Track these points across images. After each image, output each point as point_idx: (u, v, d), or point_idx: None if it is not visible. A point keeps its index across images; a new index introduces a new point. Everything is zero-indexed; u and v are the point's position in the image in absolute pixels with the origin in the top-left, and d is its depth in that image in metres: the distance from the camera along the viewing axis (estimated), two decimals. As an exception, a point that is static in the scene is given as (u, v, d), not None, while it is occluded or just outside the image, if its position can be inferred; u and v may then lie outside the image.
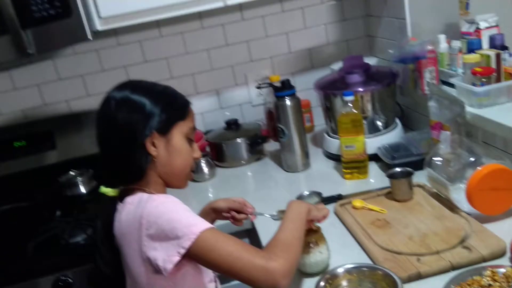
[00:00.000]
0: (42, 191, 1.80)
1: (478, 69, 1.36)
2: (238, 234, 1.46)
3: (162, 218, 0.91)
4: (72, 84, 1.93)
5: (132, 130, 0.97)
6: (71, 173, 1.82)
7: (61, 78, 1.92)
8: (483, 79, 1.36)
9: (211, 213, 1.22)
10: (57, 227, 1.55)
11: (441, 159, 1.32)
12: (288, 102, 1.68)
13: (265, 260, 0.88)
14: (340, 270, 1.06)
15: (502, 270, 0.98)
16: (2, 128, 1.88)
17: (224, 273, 0.91)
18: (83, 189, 1.78)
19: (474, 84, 1.37)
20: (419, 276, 1.04)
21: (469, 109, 1.38)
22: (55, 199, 1.77)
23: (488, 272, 0.98)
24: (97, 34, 1.72)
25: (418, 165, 1.40)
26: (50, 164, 1.83)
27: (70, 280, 1.36)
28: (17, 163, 1.81)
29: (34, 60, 1.88)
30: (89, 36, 1.52)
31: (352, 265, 1.07)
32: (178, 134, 1.02)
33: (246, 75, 2.06)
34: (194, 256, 0.91)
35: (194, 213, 0.96)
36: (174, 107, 1.03)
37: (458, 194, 1.23)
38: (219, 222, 1.27)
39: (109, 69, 1.94)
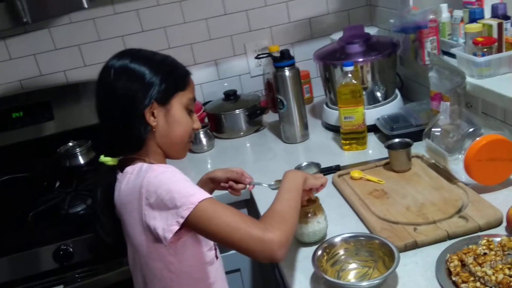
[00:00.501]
0: (41, 161, 1.81)
1: (479, 39, 1.34)
2: (236, 204, 1.48)
3: (162, 187, 0.92)
4: (68, 54, 1.91)
5: (131, 99, 0.97)
6: (70, 144, 1.83)
7: (58, 48, 1.90)
8: (484, 49, 1.34)
9: (209, 183, 1.23)
10: (57, 197, 1.56)
11: (440, 130, 1.32)
12: (287, 72, 1.67)
13: (262, 231, 0.88)
14: (337, 239, 1.07)
15: (498, 239, 0.99)
16: (-1, 99, 1.87)
17: (221, 243, 0.92)
18: (82, 160, 1.78)
19: (475, 54, 1.35)
20: (415, 245, 1.05)
21: (469, 79, 1.37)
22: (54, 169, 1.77)
23: (483, 241, 0.99)
24: (93, 3, 1.69)
25: (417, 136, 1.40)
26: (49, 135, 1.83)
27: (70, 250, 1.38)
28: (15, 133, 1.81)
29: (29, 29, 1.85)
30: (85, 4, 1.49)
31: (349, 235, 1.08)
32: (177, 104, 1.01)
33: (245, 45, 2.04)
34: (192, 225, 0.91)
35: (193, 183, 0.96)
36: (174, 77, 1.01)
37: (457, 164, 1.23)
38: (217, 192, 1.28)
39: (106, 38, 1.91)
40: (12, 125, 1.81)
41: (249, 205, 1.53)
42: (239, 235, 0.88)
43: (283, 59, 1.67)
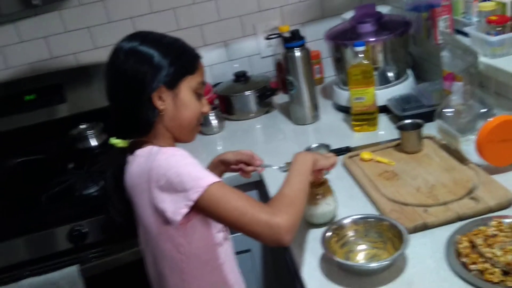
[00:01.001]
0: (54, 144, 1.83)
1: (493, 18, 1.31)
2: (247, 186, 1.49)
3: (171, 170, 0.92)
4: (79, 36, 1.91)
5: (140, 82, 0.97)
6: (82, 126, 1.84)
7: (68, 30, 1.90)
8: (498, 28, 1.31)
9: (220, 165, 1.23)
10: (70, 179, 1.58)
11: (452, 110, 1.30)
12: (297, 53, 1.66)
13: (269, 216, 0.89)
14: (347, 221, 1.08)
15: (508, 220, 0.99)
16: (11, 82, 1.88)
17: (229, 226, 0.93)
18: (94, 142, 1.80)
19: (488, 33, 1.33)
20: (425, 227, 1.05)
21: (482, 59, 1.35)
22: (67, 152, 1.79)
23: (494, 223, 0.99)
24: (102, -16, 1.68)
25: (429, 116, 1.39)
26: (61, 118, 1.84)
27: (84, 230, 1.40)
28: (28, 116, 1.82)
29: (39, 12, 1.85)
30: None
31: (358, 216, 1.08)
32: (186, 88, 1.01)
33: (254, 25, 2.02)
34: (201, 208, 0.92)
35: (203, 167, 0.96)
36: (183, 60, 1.01)
37: (468, 145, 1.22)
38: (228, 174, 1.29)
39: (115, 20, 1.91)
40: (25, 108, 1.83)
41: (259, 187, 1.54)
42: (247, 219, 0.89)
43: (293, 39, 1.65)
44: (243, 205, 0.90)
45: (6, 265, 1.40)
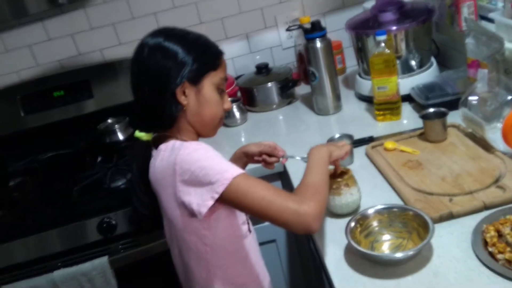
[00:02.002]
0: (82, 138, 1.88)
1: (520, 2, 1.28)
2: (270, 177, 1.51)
3: (195, 164, 0.94)
4: (104, 33, 1.95)
5: (164, 77, 0.98)
6: (109, 120, 1.88)
7: (93, 27, 1.94)
8: (525, 13, 1.28)
9: (243, 157, 1.25)
10: (99, 172, 1.62)
11: (477, 98, 1.28)
12: (318, 44, 1.65)
13: (297, 204, 0.90)
14: (371, 211, 1.08)
15: (536, 209, 0.98)
16: (41, 79, 1.93)
17: (258, 216, 0.94)
18: (121, 136, 1.84)
19: (515, 19, 1.30)
20: (451, 216, 1.05)
21: (508, 45, 1.32)
22: (95, 146, 1.84)
23: (521, 212, 0.98)
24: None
25: (454, 105, 1.37)
26: (89, 113, 1.89)
27: (113, 222, 1.44)
28: (57, 112, 1.88)
29: (65, 10, 1.90)
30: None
31: (382, 206, 1.08)
32: (209, 84, 1.02)
33: (275, 17, 2.02)
34: (227, 200, 0.94)
35: (226, 159, 0.98)
36: (207, 56, 1.02)
37: (494, 133, 1.20)
38: (251, 166, 1.30)
39: (139, 16, 1.94)
40: (54, 104, 1.88)
41: (282, 178, 1.55)
42: (275, 208, 0.90)
43: (314, 30, 1.65)
44: (270, 194, 0.92)
45: (39, 256, 1.45)
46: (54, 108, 1.87)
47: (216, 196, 0.93)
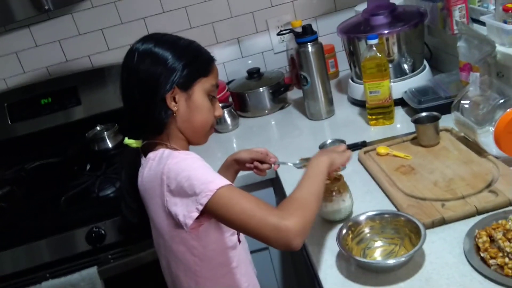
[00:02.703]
0: (71, 146, 1.86)
1: (510, 5, 1.27)
2: (262, 183, 1.49)
3: (182, 174, 0.92)
4: (92, 38, 1.93)
5: (153, 83, 0.97)
6: (98, 128, 1.86)
7: (81, 33, 1.92)
8: (516, 15, 1.28)
9: (234, 164, 1.23)
10: (87, 181, 1.60)
11: (469, 101, 1.27)
12: (310, 48, 1.64)
13: (278, 219, 0.86)
14: (363, 217, 1.06)
15: (529, 214, 0.96)
16: (28, 86, 1.91)
17: (238, 230, 0.92)
18: (109, 143, 1.82)
19: (505, 22, 1.29)
20: (443, 222, 1.03)
21: (500, 48, 1.31)
22: (84, 154, 1.82)
23: (514, 216, 0.96)
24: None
25: (447, 108, 1.35)
26: (77, 120, 1.87)
27: (102, 232, 1.42)
28: (44, 119, 1.85)
29: (52, 16, 1.88)
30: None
31: (374, 212, 1.07)
32: (199, 90, 1.01)
33: (267, 21, 2.01)
34: (211, 212, 0.91)
35: (214, 171, 0.96)
36: (198, 63, 1.01)
37: (487, 137, 1.19)
38: (243, 173, 1.28)
39: (128, 21, 1.92)
40: (41, 111, 1.85)
41: (275, 184, 1.53)
42: (255, 223, 0.87)
43: (305, 34, 1.64)
44: (251, 208, 0.88)
45: (27, 267, 1.42)
46: (42, 116, 1.85)
47: (201, 207, 0.90)
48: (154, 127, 1.01)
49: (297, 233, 0.86)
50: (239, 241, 1.08)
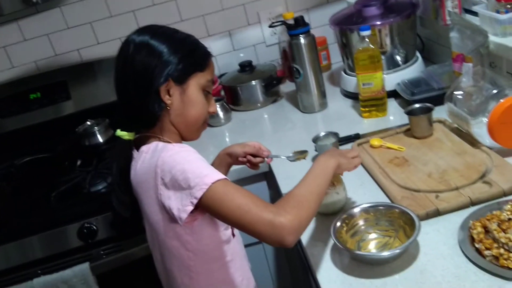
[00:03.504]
0: (61, 141, 1.84)
1: (503, -5, 1.27)
2: (256, 177, 1.48)
3: (176, 167, 0.91)
4: (81, 32, 1.90)
5: (148, 75, 0.96)
6: (88, 122, 1.84)
7: (70, 26, 1.89)
8: (508, 6, 1.27)
9: (227, 158, 1.22)
10: (78, 176, 1.58)
11: (462, 92, 1.27)
12: (302, 40, 1.63)
13: (273, 215, 0.85)
14: (357, 210, 1.06)
15: (523, 204, 0.96)
16: (16, 81, 1.88)
17: (232, 225, 0.91)
18: (100, 138, 1.79)
19: (498, 12, 1.28)
20: (437, 213, 1.03)
21: (492, 38, 1.31)
22: (74, 149, 1.80)
23: (508, 206, 0.96)
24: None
25: (439, 100, 1.35)
26: (67, 115, 1.84)
27: (94, 227, 1.40)
28: (34, 115, 1.83)
29: (41, 9, 1.85)
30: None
31: (368, 204, 1.06)
32: (194, 85, 0.99)
33: (258, 13, 1.99)
34: (205, 206, 0.90)
35: (208, 164, 0.95)
36: (194, 57, 1.00)
37: (480, 128, 1.19)
38: (236, 167, 1.27)
39: (117, 14, 1.89)
40: (30, 107, 1.83)
41: (268, 178, 1.52)
42: (249, 218, 0.86)
43: (297, 26, 1.62)
44: (246, 203, 0.87)
45: (18, 264, 1.40)
46: (31, 111, 1.83)
47: (195, 201, 0.89)
48: (147, 120, 1.00)
49: (291, 230, 0.84)
50: (233, 235, 1.07)
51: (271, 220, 0.84)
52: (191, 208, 0.90)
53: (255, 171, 1.31)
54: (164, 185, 0.92)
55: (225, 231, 1.03)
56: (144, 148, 0.99)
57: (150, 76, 0.95)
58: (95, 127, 1.80)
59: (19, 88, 1.84)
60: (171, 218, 0.94)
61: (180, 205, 0.91)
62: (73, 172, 1.63)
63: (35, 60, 1.91)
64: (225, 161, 1.22)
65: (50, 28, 1.88)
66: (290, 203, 0.88)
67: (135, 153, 1.02)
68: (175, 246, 0.99)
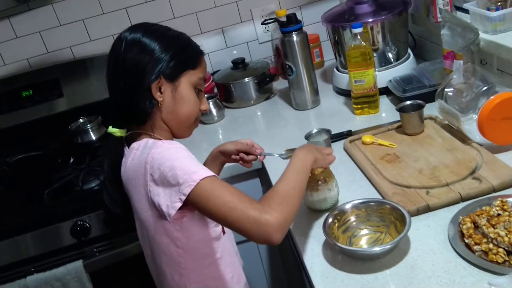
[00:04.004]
0: (53, 139, 1.83)
1: (493, -8, 1.28)
2: (249, 174, 1.48)
3: (165, 164, 0.91)
4: (73, 29, 1.89)
5: (139, 72, 0.96)
6: (81, 120, 1.83)
7: (62, 24, 1.88)
8: (498, 3, 1.28)
9: (220, 156, 1.22)
10: (71, 174, 1.58)
11: (453, 89, 1.28)
12: (294, 37, 1.63)
13: (259, 212, 0.85)
14: (348, 206, 1.06)
15: (512, 199, 0.97)
16: (8, 78, 1.87)
17: (220, 222, 0.91)
18: (93, 136, 1.79)
19: (488, 9, 1.30)
20: (428, 209, 1.04)
21: (483, 35, 1.32)
22: (67, 146, 1.79)
23: (497, 202, 0.97)
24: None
25: (431, 97, 1.36)
26: (59, 112, 1.84)
27: (87, 225, 1.40)
28: (26, 112, 1.82)
29: (33, 7, 1.84)
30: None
31: (359, 201, 1.07)
32: (186, 82, 1.00)
33: (251, 10, 1.99)
34: (193, 203, 0.90)
35: (197, 161, 0.95)
36: (186, 55, 1.00)
37: (470, 124, 1.20)
38: (229, 164, 1.27)
39: (110, 11, 1.89)
40: (22, 104, 1.82)
41: (261, 175, 1.53)
42: (235, 215, 0.86)
43: (290, 23, 1.63)
44: (232, 200, 0.87)
45: (11, 262, 1.40)
46: (23, 109, 1.82)
47: (183, 197, 0.89)
48: (138, 117, 1.00)
49: (278, 228, 0.85)
50: (223, 232, 1.07)
51: (258, 217, 0.85)
52: (179, 204, 0.91)
53: (248, 168, 1.31)
54: (153, 181, 0.93)
55: (215, 228, 1.04)
56: (134, 145, 0.99)
57: (142, 73, 0.96)
58: (88, 125, 1.79)
59: (11, 85, 1.83)
60: (161, 214, 0.94)
61: (169, 201, 0.91)
62: (65, 169, 1.63)
63: (27, 57, 1.90)
64: (218, 159, 1.22)
65: (42, 25, 1.87)
66: (274, 200, 0.89)
67: (126, 150, 1.03)
68: (165, 243, 1.00)
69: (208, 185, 0.89)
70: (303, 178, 0.97)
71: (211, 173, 0.90)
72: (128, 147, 1.02)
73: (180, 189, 0.89)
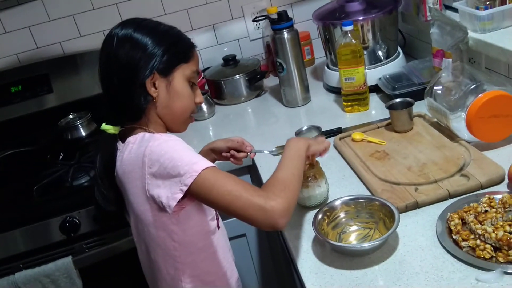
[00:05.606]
0: (43, 135, 1.82)
1: (482, -9, 1.29)
2: (239, 171, 1.49)
3: (165, 156, 0.91)
4: (63, 24, 1.87)
5: (133, 68, 0.96)
6: (70, 116, 1.82)
7: (52, 19, 1.86)
8: (487, 2, 1.30)
9: (210, 153, 1.23)
10: (60, 170, 1.57)
11: (442, 87, 1.29)
12: (285, 35, 1.63)
13: (264, 199, 0.87)
14: (338, 203, 1.07)
15: (499, 196, 0.99)
16: (-3, 74, 1.86)
17: (223, 211, 0.92)
18: (83, 132, 1.78)
19: (477, 8, 1.31)
20: (416, 205, 1.05)
21: (472, 34, 1.33)
22: (57, 142, 1.78)
23: (485, 199, 0.98)
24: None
25: (420, 95, 1.37)
26: (49, 108, 1.82)
27: (76, 221, 1.40)
28: (15, 108, 1.80)
29: (22, 1, 1.82)
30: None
31: (349, 197, 1.08)
32: (180, 76, 1.00)
33: (242, 7, 1.99)
34: (195, 194, 0.91)
35: (196, 153, 0.95)
36: (178, 48, 1.00)
37: (459, 122, 1.21)
38: (219, 162, 1.27)
39: (100, 7, 1.87)
40: (11, 100, 1.80)
41: (251, 172, 1.53)
42: (240, 203, 0.88)
43: (280, 21, 1.63)
44: (236, 189, 0.89)
45: (0, 258, 1.39)
46: (12, 104, 1.80)
47: (185, 188, 0.90)
48: (133, 113, 1.00)
49: (283, 213, 0.88)
50: (218, 226, 1.08)
51: (263, 204, 0.87)
52: (180, 195, 0.91)
53: (239, 166, 1.32)
54: (152, 174, 0.93)
55: (211, 222, 1.04)
56: (130, 138, 0.99)
57: (135, 69, 0.95)
58: (78, 121, 1.78)
59: (0, 81, 1.81)
60: (159, 207, 0.95)
61: (169, 193, 0.92)
62: (55, 165, 1.62)
63: (16, 52, 1.88)
64: (208, 156, 1.22)
65: (31, 20, 1.85)
66: (276, 186, 0.91)
67: (120, 144, 1.02)
68: (161, 237, 1.00)
69: (210, 175, 0.90)
70: (299, 165, 0.99)
71: (211, 163, 0.92)
72: (122, 142, 1.01)
73: (181, 180, 0.90)
